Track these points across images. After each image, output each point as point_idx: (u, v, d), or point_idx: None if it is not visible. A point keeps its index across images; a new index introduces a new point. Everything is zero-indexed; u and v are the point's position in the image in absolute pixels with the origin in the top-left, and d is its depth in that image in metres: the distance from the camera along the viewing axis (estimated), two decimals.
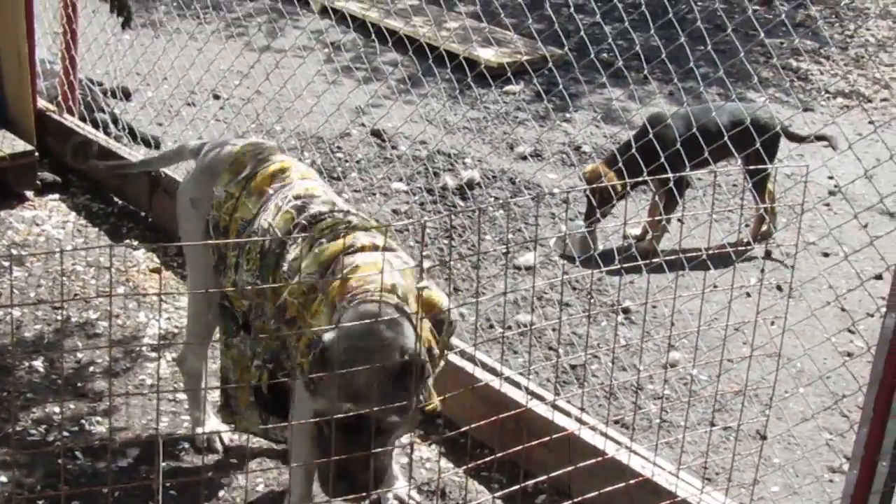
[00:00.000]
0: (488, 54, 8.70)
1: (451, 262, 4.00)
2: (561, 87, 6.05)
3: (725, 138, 5.61)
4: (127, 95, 7.86)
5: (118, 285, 5.62)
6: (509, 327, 5.58)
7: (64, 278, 5.68)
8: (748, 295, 5.93)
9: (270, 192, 4.08)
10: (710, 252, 4.66)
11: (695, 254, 4.88)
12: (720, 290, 5.45)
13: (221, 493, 4.29)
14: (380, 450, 3.35)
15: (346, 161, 7.29)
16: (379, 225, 4.09)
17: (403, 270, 3.62)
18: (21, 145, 6.54)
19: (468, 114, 8.00)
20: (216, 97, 8.03)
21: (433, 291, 3.69)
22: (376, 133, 7.62)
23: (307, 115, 6.80)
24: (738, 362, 5.20)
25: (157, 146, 7.18)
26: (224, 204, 4.16)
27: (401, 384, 3.38)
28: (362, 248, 3.71)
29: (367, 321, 3.40)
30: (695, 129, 5.81)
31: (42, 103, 6.96)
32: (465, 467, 4.44)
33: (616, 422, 4.85)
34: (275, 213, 3.99)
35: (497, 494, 4.38)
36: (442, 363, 3.79)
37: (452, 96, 7.97)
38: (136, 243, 6.14)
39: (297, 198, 4.01)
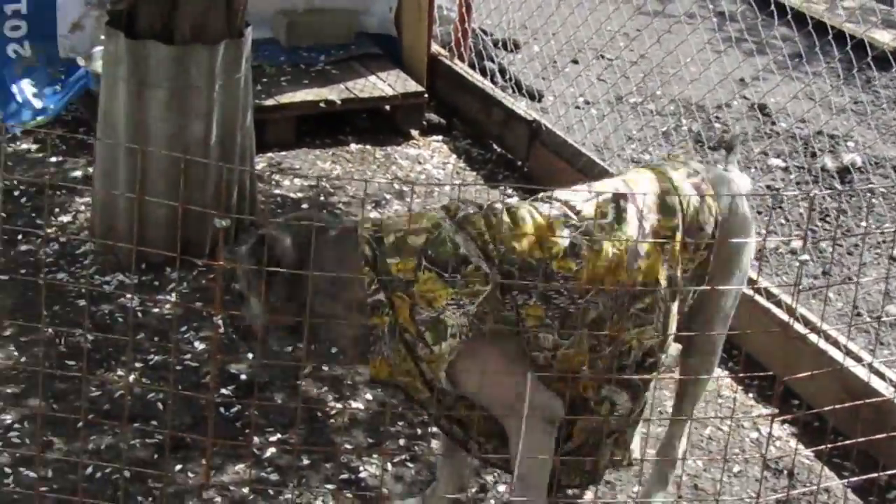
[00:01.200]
0: (886, 37, 8.38)
1: (828, 244, 3.91)
2: None
3: None
4: (516, 47, 8.01)
5: None
6: (878, 317, 5.41)
7: None
8: None
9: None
10: None
11: None
12: None
13: None
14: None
15: (725, 132, 7.21)
16: (761, 193, 4.03)
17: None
18: (413, 85, 6.81)
19: (858, 96, 7.75)
20: (601, 57, 8.09)
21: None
22: (761, 107, 7.49)
23: (692, 83, 6.77)
24: None
25: (540, 99, 7.32)
26: None
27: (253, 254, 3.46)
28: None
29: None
30: None
31: (435, 48, 7.21)
32: (814, 449, 4.36)
33: None
34: None
35: (847, 482, 4.27)
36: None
37: (843, 77, 7.73)
38: (510, 190, 6.29)
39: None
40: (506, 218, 3.56)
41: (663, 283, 3.63)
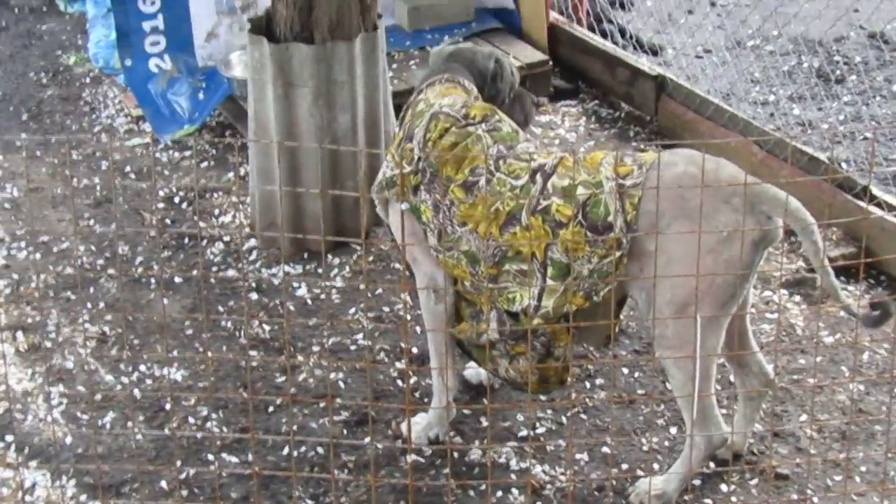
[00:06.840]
0: None
1: None
2: None
3: None
4: (631, 4, 8.11)
5: None
6: None
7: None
8: None
9: None
10: None
11: None
12: None
13: None
14: None
15: (846, 64, 7.27)
16: None
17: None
18: (537, 55, 6.98)
19: None
20: (713, 4, 8.18)
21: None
22: (874, 35, 7.52)
23: (807, 19, 6.82)
24: None
25: (661, 54, 7.45)
26: None
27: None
28: None
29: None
30: None
31: (553, 15, 7.37)
32: None
33: None
34: None
35: None
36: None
37: None
38: (643, 146, 6.45)
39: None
40: (448, 138, 4.09)
41: (539, 259, 3.94)
